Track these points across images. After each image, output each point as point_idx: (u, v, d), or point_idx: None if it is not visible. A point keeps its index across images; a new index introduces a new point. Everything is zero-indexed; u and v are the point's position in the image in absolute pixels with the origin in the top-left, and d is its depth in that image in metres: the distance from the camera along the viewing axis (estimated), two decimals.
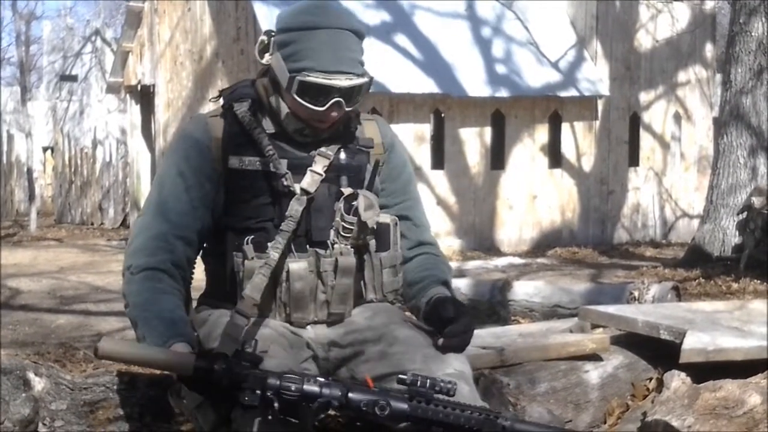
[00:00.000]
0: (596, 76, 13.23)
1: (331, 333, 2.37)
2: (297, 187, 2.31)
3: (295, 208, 2.30)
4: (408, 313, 2.51)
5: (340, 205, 2.34)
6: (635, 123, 13.78)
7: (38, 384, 2.54)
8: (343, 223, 2.33)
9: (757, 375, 3.36)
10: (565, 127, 13.19)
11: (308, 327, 2.36)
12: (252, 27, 12.12)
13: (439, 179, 12.35)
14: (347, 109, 2.30)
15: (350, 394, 1.95)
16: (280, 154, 2.32)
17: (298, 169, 2.32)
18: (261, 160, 2.32)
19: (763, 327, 3.70)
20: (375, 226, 2.35)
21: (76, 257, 12.51)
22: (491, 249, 12.40)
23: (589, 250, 12.29)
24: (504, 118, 12.75)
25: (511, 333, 3.75)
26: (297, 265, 2.31)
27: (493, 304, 6.28)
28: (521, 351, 3.34)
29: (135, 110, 15.57)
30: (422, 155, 12.14)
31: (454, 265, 9.42)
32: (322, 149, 2.35)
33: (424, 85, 11.90)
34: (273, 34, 2.32)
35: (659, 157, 14.02)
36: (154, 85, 14.67)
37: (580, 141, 13.32)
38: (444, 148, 12.51)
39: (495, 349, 3.28)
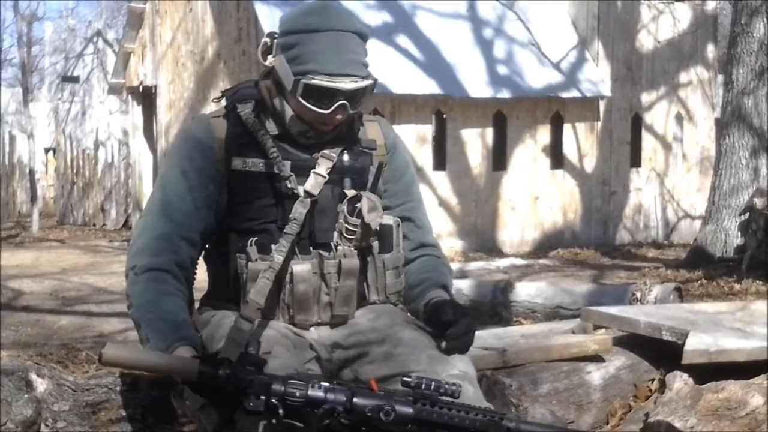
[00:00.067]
0: (598, 76, 13.22)
1: (334, 334, 2.37)
2: (300, 190, 2.31)
3: (299, 210, 2.29)
4: (409, 315, 2.51)
5: (344, 207, 2.33)
6: (637, 124, 13.78)
7: (40, 385, 2.54)
8: (346, 225, 2.33)
9: (760, 376, 3.36)
10: (566, 127, 13.20)
11: (311, 329, 2.36)
12: (253, 28, 12.13)
13: (441, 180, 12.35)
14: (351, 111, 2.30)
15: (355, 399, 1.95)
16: (283, 156, 2.31)
17: (302, 171, 2.32)
18: (264, 161, 2.31)
19: (765, 328, 3.70)
20: (378, 228, 2.35)
21: (78, 258, 12.52)
22: (493, 250, 12.40)
23: (591, 251, 12.29)
24: (506, 118, 12.76)
25: (513, 334, 3.75)
26: (300, 267, 2.31)
27: (495, 305, 6.28)
28: (523, 352, 3.34)
29: (137, 111, 15.58)
30: (424, 156, 12.14)
31: (455, 266, 9.43)
32: (326, 151, 2.35)
33: (425, 86, 11.90)
34: (276, 36, 2.31)
35: (661, 158, 14.02)
36: (155, 86, 14.68)
37: (581, 142, 13.32)
38: (446, 149, 12.52)
39: (497, 350, 3.28)
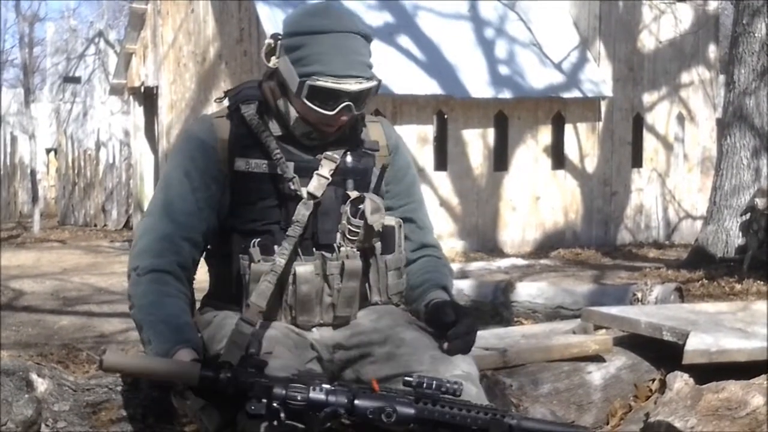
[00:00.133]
0: (599, 77, 13.22)
1: (336, 335, 2.37)
2: (304, 191, 2.31)
3: (302, 212, 2.29)
4: (410, 315, 2.51)
5: (347, 208, 2.34)
6: (638, 124, 13.77)
7: (41, 385, 2.55)
8: (349, 227, 2.33)
9: (761, 376, 3.37)
10: (568, 128, 13.19)
11: (313, 329, 2.37)
12: (255, 28, 12.13)
13: (442, 180, 12.35)
14: (356, 113, 2.30)
15: (356, 401, 1.95)
16: (286, 157, 2.31)
17: (305, 173, 2.32)
18: (268, 162, 2.31)
19: (766, 328, 3.70)
20: (381, 229, 2.35)
21: (79, 259, 12.52)
22: (494, 250, 12.40)
23: (592, 252, 12.29)
24: (507, 119, 12.75)
25: (514, 334, 3.75)
26: (303, 268, 2.31)
27: (496, 306, 6.28)
28: (524, 352, 3.34)
29: (138, 112, 15.58)
30: (425, 156, 12.14)
31: (456, 266, 9.43)
32: (329, 153, 2.35)
33: (427, 86, 11.90)
34: (280, 37, 2.31)
35: (662, 158, 14.01)
36: (157, 87, 14.69)
37: (583, 142, 13.32)
38: (447, 149, 12.52)
39: (498, 351, 3.28)
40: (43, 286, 9.62)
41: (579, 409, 3.33)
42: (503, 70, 12.67)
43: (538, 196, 13.02)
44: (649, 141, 13.87)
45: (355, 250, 2.34)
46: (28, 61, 21.29)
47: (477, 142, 12.52)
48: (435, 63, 12.16)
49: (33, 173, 17.77)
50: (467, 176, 12.49)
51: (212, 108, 10.89)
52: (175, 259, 2.29)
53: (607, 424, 3.41)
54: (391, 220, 2.39)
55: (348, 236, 2.33)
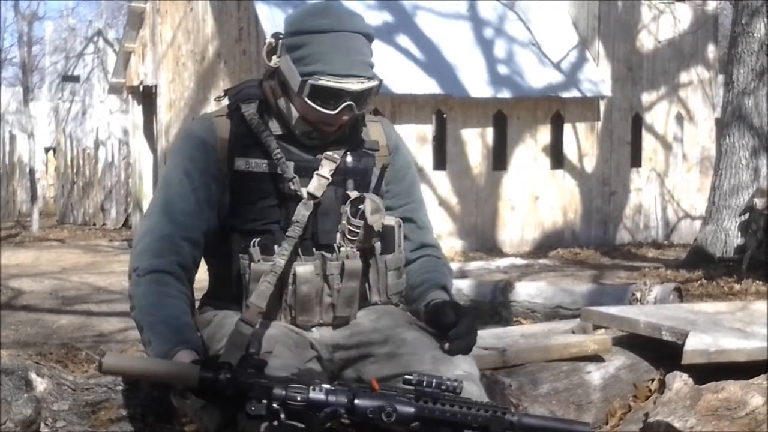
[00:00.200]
0: (598, 76, 13.22)
1: (336, 335, 2.37)
2: (304, 191, 2.30)
3: (302, 213, 2.29)
4: (410, 315, 2.51)
5: (347, 208, 2.34)
6: (637, 124, 13.78)
7: (40, 384, 2.55)
8: (349, 227, 2.33)
9: (760, 376, 3.37)
10: (567, 127, 13.20)
11: (313, 329, 2.36)
12: (254, 27, 12.13)
13: (441, 180, 12.35)
14: (357, 112, 2.30)
15: (356, 401, 1.95)
16: (287, 157, 2.31)
17: (305, 172, 2.31)
18: (268, 162, 2.30)
19: (765, 328, 3.70)
20: (381, 230, 2.35)
21: (78, 258, 12.52)
22: (493, 250, 12.40)
23: (591, 251, 12.29)
24: (506, 118, 12.76)
25: (513, 334, 3.75)
26: (303, 268, 2.30)
27: (495, 305, 6.28)
28: (523, 352, 3.34)
29: (137, 111, 15.56)
30: (424, 156, 12.14)
31: (455, 265, 9.43)
32: (329, 152, 2.34)
33: (426, 85, 11.90)
34: (281, 36, 2.31)
35: (661, 158, 14.02)
36: (156, 86, 14.68)
37: (582, 142, 13.32)
38: (446, 148, 12.51)
39: (497, 350, 3.29)
40: (42, 285, 9.61)
41: (578, 409, 3.33)
42: (502, 69, 12.67)
43: (537, 196, 13.02)
44: (648, 141, 13.87)
45: (354, 250, 2.34)
46: (27, 60, 21.29)
47: (476, 141, 12.53)
48: (434, 62, 12.16)
49: (32, 172, 17.77)
50: (466, 176, 12.49)
51: (211, 107, 10.88)
52: (175, 260, 2.29)
53: (607, 424, 3.41)
54: (390, 220, 2.39)
55: (348, 236, 2.33)
